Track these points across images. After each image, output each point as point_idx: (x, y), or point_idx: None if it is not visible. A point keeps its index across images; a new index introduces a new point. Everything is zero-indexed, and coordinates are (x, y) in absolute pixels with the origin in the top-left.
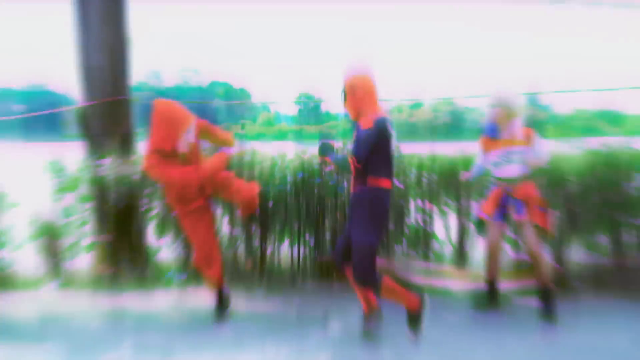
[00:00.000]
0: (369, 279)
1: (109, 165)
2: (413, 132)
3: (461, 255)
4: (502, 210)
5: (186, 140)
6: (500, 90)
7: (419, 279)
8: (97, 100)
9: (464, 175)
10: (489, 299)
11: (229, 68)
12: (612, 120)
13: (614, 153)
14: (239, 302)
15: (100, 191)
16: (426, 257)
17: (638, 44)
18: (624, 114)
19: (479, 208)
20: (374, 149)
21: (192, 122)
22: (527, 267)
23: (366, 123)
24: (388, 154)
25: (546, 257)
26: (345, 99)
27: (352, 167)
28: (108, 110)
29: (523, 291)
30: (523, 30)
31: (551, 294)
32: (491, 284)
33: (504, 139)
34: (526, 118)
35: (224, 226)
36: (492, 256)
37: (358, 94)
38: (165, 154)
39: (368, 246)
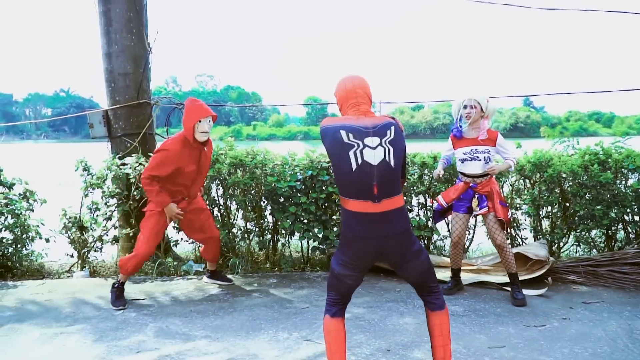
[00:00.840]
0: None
1: (132, 164)
2: (415, 132)
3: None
4: (466, 203)
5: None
6: (472, 92)
7: None
8: (121, 103)
9: (435, 173)
10: (455, 285)
11: (242, 72)
12: (604, 121)
13: (606, 152)
14: (253, 290)
15: (124, 188)
16: (428, 249)
17: (629, 48)
18: (615, 115)
19: (440, 198)
20: (331, 160)
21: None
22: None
23: None
24: (345, 167)
25: (509, 246)
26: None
27: None
28: (131, 112)
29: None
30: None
31: (517, 279)
32: (456, 272)
33: (471, 138)
34: (512, 116)
35: (238, 220)
36: (456, 247)
37: (338, 102)
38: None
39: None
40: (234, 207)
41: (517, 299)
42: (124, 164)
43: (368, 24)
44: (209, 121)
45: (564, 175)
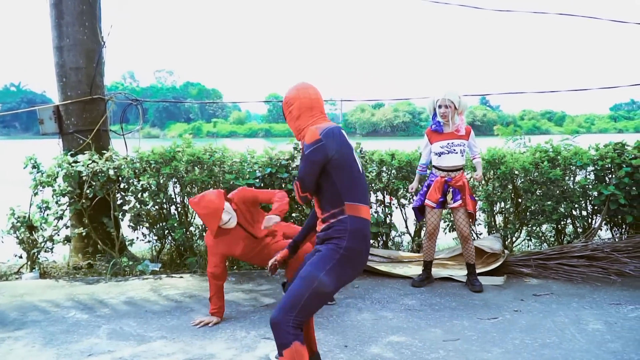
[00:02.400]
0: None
1: (85, 161)
2: (375, 130)
3: (418, 244)
4: (441, 198)
5: (230, 220)
6: (449, 88)
7: (379, 266)
8: (73, 99)
9: (411, 188)
10: (426, 277)
11: (202, 69)
12: (556, 120)
13: (556, 150)
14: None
15: (76, 186)
16: (386, 246)
17: (579, 50)
18: (566, 114)
19: (422, 197)
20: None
21: (225, 207)
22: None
23: (310, 137)
24: (355, 168)
25: (472, 239)
26: (286, 120)
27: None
28: (83, 108)
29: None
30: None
31: (474, 269)
32: (427, 265)
33: (448, 132)
34: (469, 115)
35: (196, 219)
36: (431, 238)
37: (294, 111)
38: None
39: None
40: None
41: (475, 285)
42: (76, 162)
43: (330, 22)
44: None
45: (516, 172)
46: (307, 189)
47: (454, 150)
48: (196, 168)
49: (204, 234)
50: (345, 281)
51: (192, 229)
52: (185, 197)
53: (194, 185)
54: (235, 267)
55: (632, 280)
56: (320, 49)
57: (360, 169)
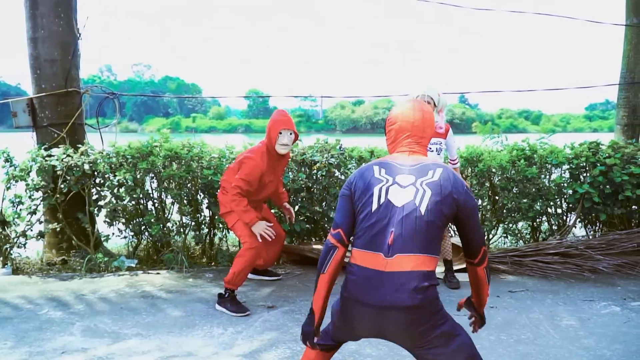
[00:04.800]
0: None
1: (59, 155)
2: (355, 127)
3: None
4: None
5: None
6: (428, 84)
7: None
8: (48, 91)
9: None
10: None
11: (181, 63)
12: (533, 118)
13: (532, 148)
14: (188, 285)
15: (50, 180)
16: None
17: (556, 50)
18: (542, 113)
19: None
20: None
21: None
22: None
23: None
24: (365, 209)
25: (449, 235)
26: None
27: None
28: (58, 101)
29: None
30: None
31: (451, 265)
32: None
33: None
34: (449, 113)
35: (173, 214)
36: None
37: (391, 133)
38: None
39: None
40: (169, 200)
41: (452, 282)
42: (50, 155)
43: (311, 18)
44: (290, 134)
45: (493, 170)
46: (335, 225)
47: (430, 148)
48: (174, 163)
49: (181, 230)
50: (336, 328)
51: (169, 224)
52: (163, 193)
53: (171, 181)
54: (213, 263)
55: (605, 277)
56: (301, 45)
57: (375, 206)
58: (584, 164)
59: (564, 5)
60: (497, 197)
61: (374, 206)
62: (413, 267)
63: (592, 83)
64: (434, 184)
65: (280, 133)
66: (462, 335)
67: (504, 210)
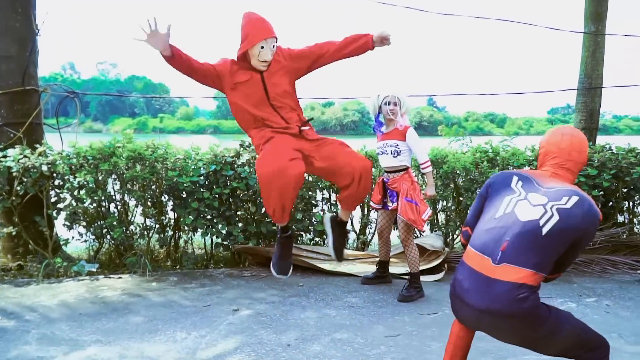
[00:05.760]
0: None
1: (15, 156)
2: (325, 128)
3: (363, 242)
4: (384, 198)
5: None
6: (390, 89)
7: (324, 265)
8: (4, 89)
9: None
10: (380, 277)
11: (148, 62)
12: (498, 121)
13: (495, 150)
14: (151, 289)
15: (6, 182)
16: None
17: (519, 55)
18: (507, 117)
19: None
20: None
21: None
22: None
23: None
24: (490, 211)
25: (414, 246)
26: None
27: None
28: (14, 100)
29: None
30: (421, 38)
31: (414, 278)
32: (382, 265)
33: (386, 132)
34: (417, 115)
35: (137, 217)
36: (380, 237)
37: (540, 157)
38: None
39: None
40: (132, 203)
41: (402, 294)
42: (5, 156)
43: (280, 18)
44: (273, 46)
45: (457, 172)
46: (466, 222)
47: (386, 150)
48: (137, 164)
49: (145, 232)
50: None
51: (132, 227)
52: (126, 195)
53: (134, 182)
54: (178, 266)
55: (563, 275)
56: None
57: (500, 214)
58: None
59: (526, 12)
60: (461, 198)
61: (499, 213)
62: (517, 279)
63: (553, 88)
64: (564, 211)
65: (262, 48)
66: (568, 327)
67: (468, 211)
